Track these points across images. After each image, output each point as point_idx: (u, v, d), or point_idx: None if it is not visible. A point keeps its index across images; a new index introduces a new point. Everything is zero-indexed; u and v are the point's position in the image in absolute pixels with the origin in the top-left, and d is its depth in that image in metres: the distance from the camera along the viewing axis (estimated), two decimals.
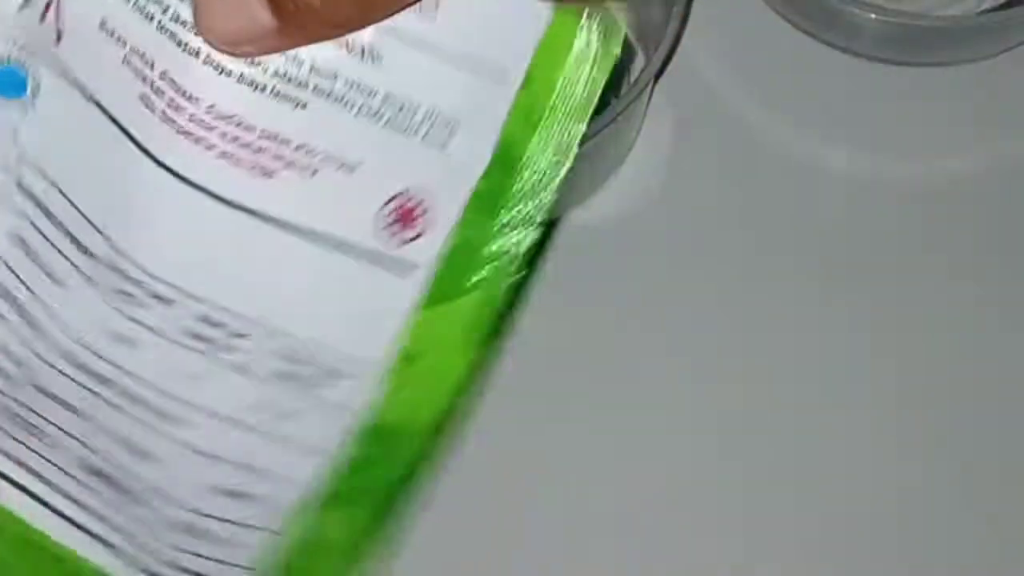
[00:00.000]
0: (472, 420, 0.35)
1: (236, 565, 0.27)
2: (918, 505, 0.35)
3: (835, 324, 0.37)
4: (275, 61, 0.25)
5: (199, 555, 0.27)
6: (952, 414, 0.36)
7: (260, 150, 0.25)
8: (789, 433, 0.36)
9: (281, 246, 0.26)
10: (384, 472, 0.27)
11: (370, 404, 0.26)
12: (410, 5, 0.24)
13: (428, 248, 0.25)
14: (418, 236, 0.25)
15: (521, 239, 0.25)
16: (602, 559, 0.34)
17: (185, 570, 0.27)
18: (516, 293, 0.26)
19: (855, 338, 0.37)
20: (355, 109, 0.25)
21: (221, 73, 0.25)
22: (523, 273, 0.26)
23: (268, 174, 0.25)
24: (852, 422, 0.36)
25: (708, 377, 0.36)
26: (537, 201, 0.25)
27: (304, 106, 0.25)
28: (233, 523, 0.27)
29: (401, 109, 0.25)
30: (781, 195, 0.38)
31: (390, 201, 0.25)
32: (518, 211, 0.25)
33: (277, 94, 0.25)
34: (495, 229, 0.25)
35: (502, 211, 0.25)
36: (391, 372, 0.26)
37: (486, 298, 0.26)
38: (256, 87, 0.25)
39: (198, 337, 0.26)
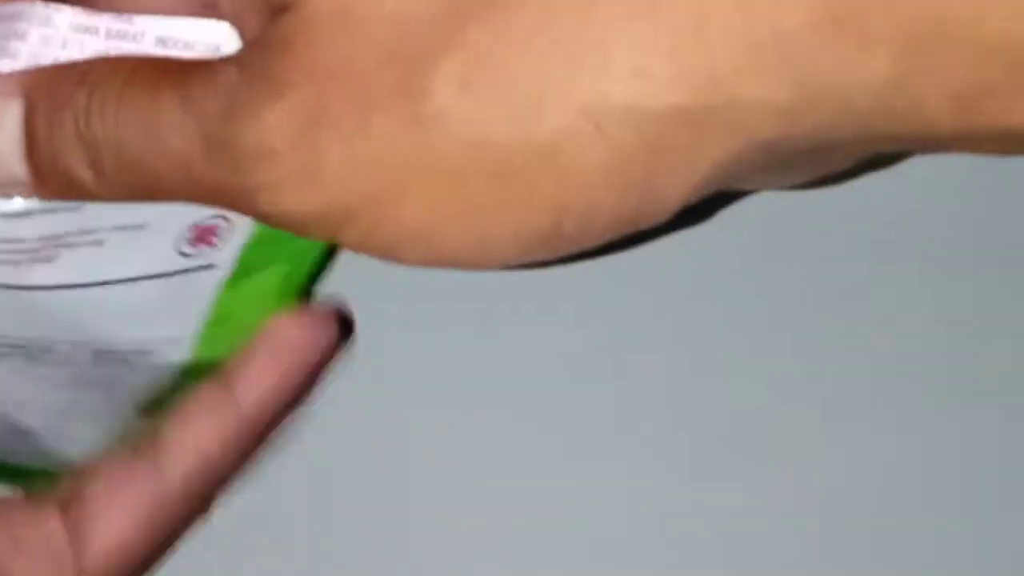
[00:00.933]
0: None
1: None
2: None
3: (835, 327, 0.37)
4: None
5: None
6: (949, 416, 0.36)
7: (36, 249, 0.25)
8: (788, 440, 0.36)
9: (82, 299, 0.26)
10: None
11: (188, 353, 0.27)
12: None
13: (229, 249, 0.26)
14: (219, 242, 0.26)
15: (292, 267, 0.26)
16: None
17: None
18: (324, 260, 0.27)
19: (856, 342, 0.37)
20: None
21: None
22: (329, 248, 0.27)
23: (49, 260, 0.26)
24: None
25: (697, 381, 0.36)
26: None
27: (78, 209, 0.25)
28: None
29: None
30: (780, 197, 0.38)
31: (185, 231, 0.26)
32: None
33: (47, 211, 0.25)
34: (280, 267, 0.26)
35: None
36: (204, 331, 0.27)
37: (290, 269, 0.27)
38: (25, 213, 0.25)
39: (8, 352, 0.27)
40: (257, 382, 0.27)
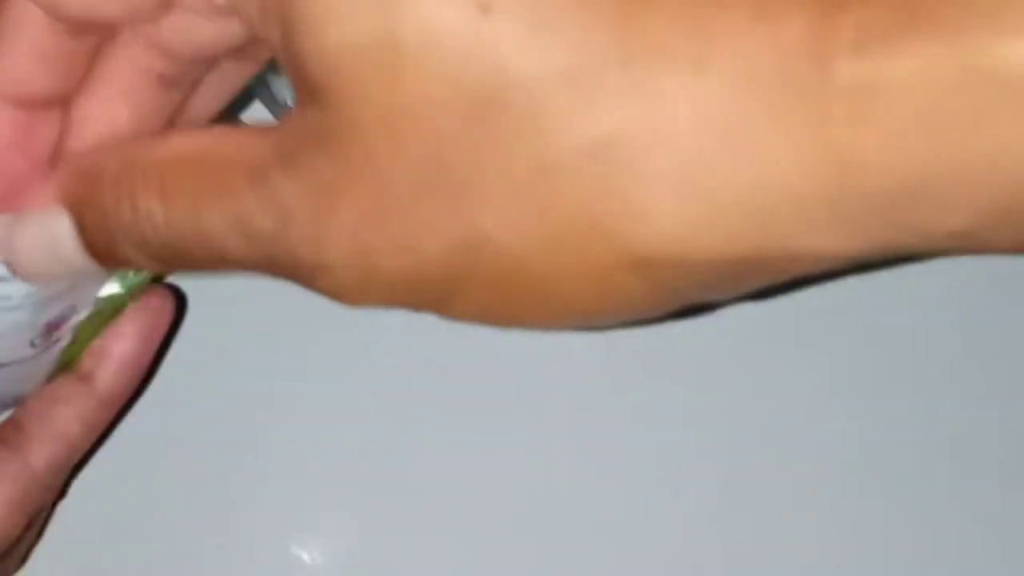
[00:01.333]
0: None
1: None
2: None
3: (837, 330, 0.37)
4: None
5: None
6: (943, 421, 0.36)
7: None
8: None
9: None
10: None
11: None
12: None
13: (70, 329, 0.29)
14: (65, 327, 0.29)
15: (130, 285, 0.29)
16: None
17: None
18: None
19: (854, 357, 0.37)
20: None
21: None
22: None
23: None
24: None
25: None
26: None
27: None
28: None
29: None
30: None
31: (39, 328, 0.28)
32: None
33: None
34: (120, 293, 0.30)
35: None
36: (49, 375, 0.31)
37: (120, 306, 0.30)
38: None
39: None
40: (108, 360, 0.30)
